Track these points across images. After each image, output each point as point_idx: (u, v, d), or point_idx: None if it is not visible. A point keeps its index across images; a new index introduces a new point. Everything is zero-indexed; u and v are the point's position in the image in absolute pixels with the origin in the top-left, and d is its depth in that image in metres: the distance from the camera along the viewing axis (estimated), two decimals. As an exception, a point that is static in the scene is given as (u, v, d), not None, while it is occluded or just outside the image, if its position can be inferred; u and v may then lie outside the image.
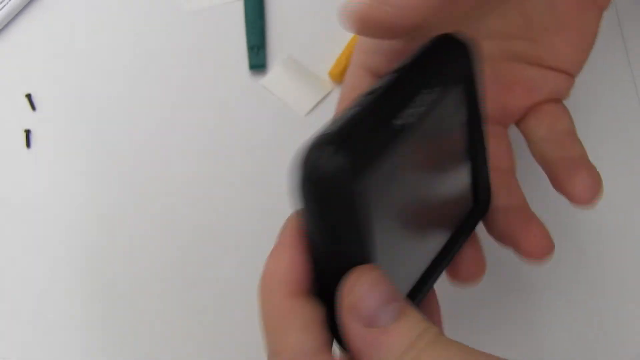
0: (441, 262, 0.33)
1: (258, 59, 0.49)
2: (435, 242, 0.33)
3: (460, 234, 0.35)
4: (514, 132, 0.39)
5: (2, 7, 0.50)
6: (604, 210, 0.44)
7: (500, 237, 0.37)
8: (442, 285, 0.35)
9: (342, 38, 0.49)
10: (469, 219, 0.36)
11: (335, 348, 0.29)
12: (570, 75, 0.38)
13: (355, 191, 0.27)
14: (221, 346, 0.43)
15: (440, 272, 0.34)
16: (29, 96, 0.49)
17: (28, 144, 0.48)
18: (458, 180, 0.34)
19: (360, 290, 0.28)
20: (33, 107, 0.49)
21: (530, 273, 0.44)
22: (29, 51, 0.50)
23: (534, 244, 0.36)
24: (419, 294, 0.32)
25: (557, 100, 0.39)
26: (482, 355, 0.27)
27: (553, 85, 0.38)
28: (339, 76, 0.49)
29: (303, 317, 0.29)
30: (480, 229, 0.36)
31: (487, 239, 0.37)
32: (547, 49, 0.38)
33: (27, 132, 0.48)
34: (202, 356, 0.43)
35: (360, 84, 0.37)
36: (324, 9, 0.50)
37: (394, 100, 0.29)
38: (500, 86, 0.38)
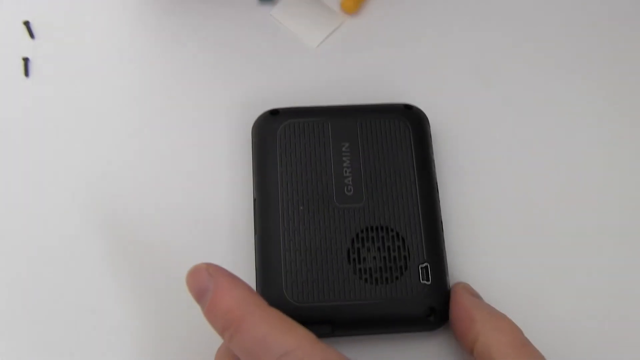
0: None
1: (268, -9, 0.49)
2: None
3: None
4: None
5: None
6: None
7: None
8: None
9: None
10: None
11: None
12: None
13: None
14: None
15: None
16: (27, 23, 0.49)
17: (27, 73, 0.48)
18: None
19: None
20: (32, 35, 0.49)
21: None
22: (26, -24, 0.50)
23: None
24: None
25: None
26: None
27: None
28: (351, 7, 0.49)
29: (289, 318, 0.35)
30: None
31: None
32: None
33: (26, 61, 0.48)
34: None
35: None
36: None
37: None
38: None
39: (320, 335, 0.39)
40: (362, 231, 0.40)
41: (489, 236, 0.44)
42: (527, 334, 0.38)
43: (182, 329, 0.41)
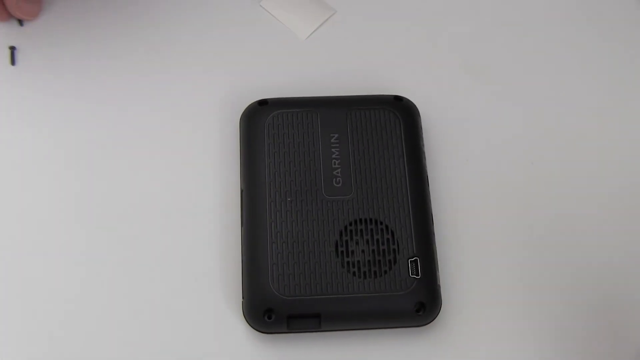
0: None
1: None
2: None
3: None
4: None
5: None
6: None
7: None
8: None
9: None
10: None
11: None
12: None
13: None
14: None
15: None
16: (14, 12, 0.48)
17: (13, 62, 0.47)
18: None
19: None
20: (20, 23, 0.48)
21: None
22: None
23: None
24: None
25: None
26: None
27: None
28: (341, -1, 0.49)
29: None
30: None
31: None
32: None
33: (12, 49, 0.47)
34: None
35: None
36: None
37: None
38: None
39: (308, 329, 0.39)
40: (350, 224, 0.40)
41: (481, 229, 0.43)
42: (519, 328, 0.38)
43: (170, 318, 0.41)
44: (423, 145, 0.43)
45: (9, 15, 0.47)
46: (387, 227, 0.40)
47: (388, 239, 0.39)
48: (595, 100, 0.47)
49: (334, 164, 0.41)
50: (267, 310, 0.38)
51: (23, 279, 0.42)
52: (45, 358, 0.40)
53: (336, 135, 0.42)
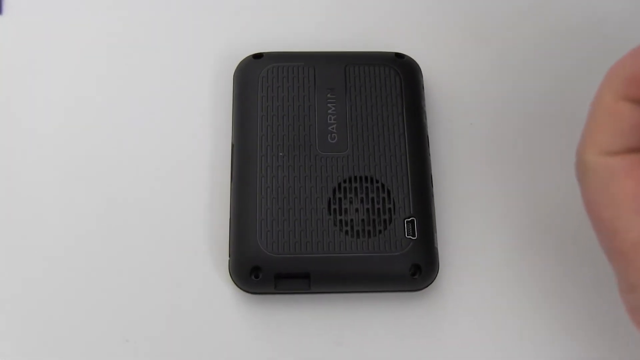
0: None
1: None
2: None
3: None
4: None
5: None
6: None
7: None
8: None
9: None
10: None
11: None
12: None
13: None
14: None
15: None
16: (0, -43, 0.46)
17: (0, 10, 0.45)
18: None
19: None
20: None
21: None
22: None
23: None
24: None
25: None
26: None
27: None
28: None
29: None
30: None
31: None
32: None
33: None
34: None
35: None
36: None
37: None
38: None
39: (296, 290, 0.37)
40: (344, 181, 0.38)
41: (483, 193, 0.41)
42: (520, 295, 0.37)
43: (153, 277, 0.39)
44: (424, 104, 0.41)
45: None
46: (383, 185, 0.38)
47: (384, 198, 0.38)
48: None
49: (330, 119, 0.40)
50: (254, 269, 0.37)
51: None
52: (23, 315, 0.38)
53: (333, 90, 0.41)
